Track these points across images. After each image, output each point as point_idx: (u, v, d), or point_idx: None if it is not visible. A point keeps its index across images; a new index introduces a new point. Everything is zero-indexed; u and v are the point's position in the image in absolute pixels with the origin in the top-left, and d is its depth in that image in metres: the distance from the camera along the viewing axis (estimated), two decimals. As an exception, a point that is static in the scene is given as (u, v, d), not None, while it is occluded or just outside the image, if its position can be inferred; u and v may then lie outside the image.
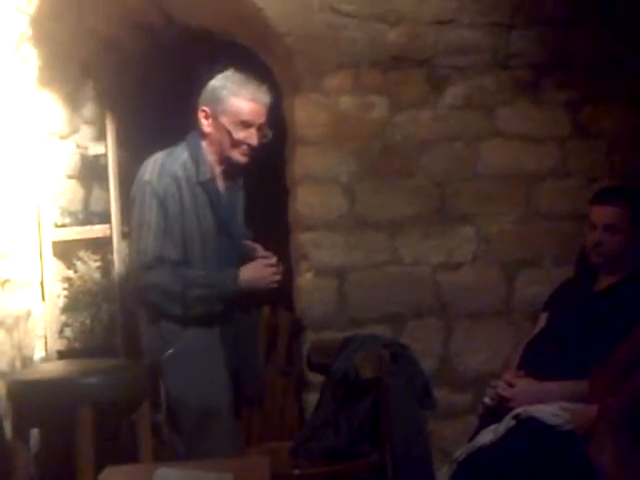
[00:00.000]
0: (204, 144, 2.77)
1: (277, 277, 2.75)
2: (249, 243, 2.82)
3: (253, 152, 2.76)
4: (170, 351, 2.70)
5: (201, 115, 2.76)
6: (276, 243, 3.01)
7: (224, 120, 2.70)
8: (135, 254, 2.71)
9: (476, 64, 3.70)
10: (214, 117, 2.72)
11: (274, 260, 2.78)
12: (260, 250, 2.80)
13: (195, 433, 2.69)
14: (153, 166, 2.70)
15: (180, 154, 2.74)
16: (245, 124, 2.71)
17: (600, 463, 2.17)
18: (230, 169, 2.80)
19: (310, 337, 3.58)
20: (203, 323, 2.73)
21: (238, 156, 2.74)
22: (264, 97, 2.76)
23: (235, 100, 2.70)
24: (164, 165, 2.70)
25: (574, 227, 3.65)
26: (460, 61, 3.69)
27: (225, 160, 2.76)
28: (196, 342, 2.71)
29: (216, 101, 2.73)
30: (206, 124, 2.75)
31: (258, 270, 2.73)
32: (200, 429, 2.68)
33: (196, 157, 2.73)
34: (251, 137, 2.72)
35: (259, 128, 2.75)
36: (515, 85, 3.73)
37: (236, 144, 2.71)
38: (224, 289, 2.68)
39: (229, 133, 2.70)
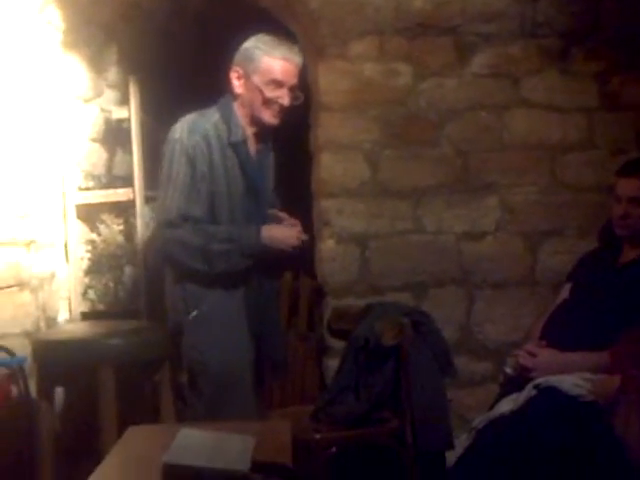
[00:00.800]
0: (236, 106, 2.76)
1: (298, 242, 2.72)
2: (277, 212, 2.81)
3: (284, 114, 2.74)
4: (193, 313, 2.71)
5: (233, 76, 2.74)
6: (299, 210, 3.00)
7: (256, 79, 2.69)
8: (160, 210, 2.71)
9: (503, 32, 3.67)
10: (246, 77, 2.71)
11: (299, 226, 2.78)
12: (287, 219, 2.80)
13: (215, 396, 2.70)
14: (183, 125, 2.70)
15: (212, 115, 2.73)
16: (277, 83, 2.70)
17: (624, 434, 2.18)
18: (261, 131, 2.79)
19: (331, 303, 3.60)
20: (227, 286, 2.73)
21: (269, 117, 2.73)
22: (296, 57, 2.74)
23: (268, 59, 2.69)
24: (195, 123, 2.69)
25: (599, 199, 3.63)
26: (487, 29, 3.66)
27: (256, 121, 2.74)
28: (219, 305, 2.72)
29: (249, 61, 2.71)
30: (238, 85, 2.74)
31: (280, 230, 2.73)
32: (221, 392, 2.70)
33: (228, 118, 2.72)
34: (283, 97, 2.71)
35: (291, 89, 2.73)
36: (542, 54, 3.69)
37: (268, 103, 2.70)
38: (246, 243, 2.66)
39: (261, 92, 2.69)
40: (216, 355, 2.69)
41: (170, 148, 2.68)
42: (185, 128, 2.68)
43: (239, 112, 2.75)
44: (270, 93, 2.69)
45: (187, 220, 2.63)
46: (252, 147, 2.79)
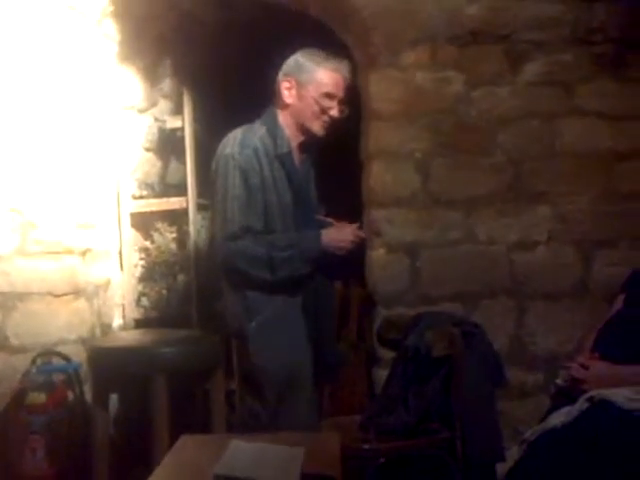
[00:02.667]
0: (281, 117, 2.79)
1: (356, 239, 2.78)
2: (323, 218, 2.84)
3: (332, 126, 2.77)
4: (256, 320, 2.74)
5: (283, 86, 2.77)
6: (350, 220, 3.01)
7: (310, 89, 2.73)
8: (221, 224, 2.74)
9: (555, 39, 3.63)
10: (298, 87, 2.75)
11: (354, 226, 2.83)
12: (335, 223, 2.82)
13: (279, 402, 2.72)
14: (234, 140, 2.74)
15: (258, 129, 2.77)
16: (329, 95, 2.73)
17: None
18: (307, 141, 2.82)
19: (381, 313, 3.60)
20: (286, 293, 2.76)
21: (318, 128, 2.76)
22: (346, 71, 2.78)
23: (321, 71, 2.73)
24: (244, 138, 2.74)
25: (654, 209, 3.56)
26: (539, 36, 3.62)
27: (305, 132, 2.78)
28: (281, 311, 2.75)
29: (301, 72, 2.75)
30: (288, 95, 2.77)
31: (339, 231, 2.79)
32: (283, 398, 2.72)
33: (273, 131, 2.76)
34: (333, 108, 2.75)
35: (340, 102, 2.76)
36: (596, 61, 3.64)
37: (319, 115, 2.74)
38: (306, 248, 2.71)
39: (316, 102, 2.73)
40: (279, 362, 2.72)
41: (223, 163, 2.72)
42: (236, 143, 2.72)
43: (285, 122, 2.78)
44: (323, 104, 2.73)
45: (248, 232, 2.67)
46: (297, 157, 2.82)
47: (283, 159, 2.75)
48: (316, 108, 2.73)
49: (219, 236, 2.74)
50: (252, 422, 2.78)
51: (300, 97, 2.76)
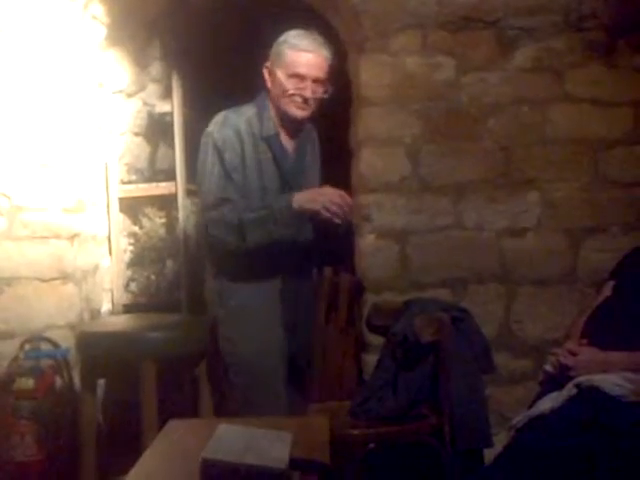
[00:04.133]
0: (269, 101, 2.79)
1: (334, 206, 2.56)
2: None
3: (310, 106, 2.74)
4: (227, 305, 2.75)
5: (265, 72, 2.78)
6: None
7: (279, 72, 2.72)
8: (200, 197, 2.77)
9: (547, 25, 3.61)
10: (273, 71, 2.74)
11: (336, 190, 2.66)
12: None
13: (247, 388, 2.74)
14: (217, 119, 2.76)
15: (247, 111, 2.78)
16: (299, 76, 2.70)
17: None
18: (291, 125, 2.80)
19: (371, 299, 3.59)
20: (261, 280, 2.76)
21: (294, 109, 2.74)
22: (322, 50, 2.73)
23: (290, 52, 2.71)
24: (227, 118, 2.75)
25: (644, 195, 3.57)
26: (530, 22, 3.61)
27: (284, 115, 2.76)
28: (253, 298, 2.75)
29: (275, 55, 2.75)
30: (268, 80, 2.77)
31: (311, 192, 2.68)
32: (252, 384, 2.73)
33: (261, 113, 2.76)
34: (304, 89, 2.71)
35: (316, 81, 2.73)
36: (587, 48, 3.63)
37: (289, 96, 2.71)
38: (277, 208, 2.63)
39: (282, 85, 2.71)
40: (247, 347, 2.74)
41: (203, 141, 2.74)
42: (218, 122, 2.74)
43: (272, 106, 2.77)
44: (291, 86, 2.70)
45: (224, 201, 2.66)
46: (288, 143, 2.81)
47: (269, 142, 2.75)
48: (287, 89, 2.71)
49: (201, 208, 2.75)
50: (226, 406, 2.80)
51: (274, 81, 2.75)
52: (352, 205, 2.60)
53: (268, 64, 2.77)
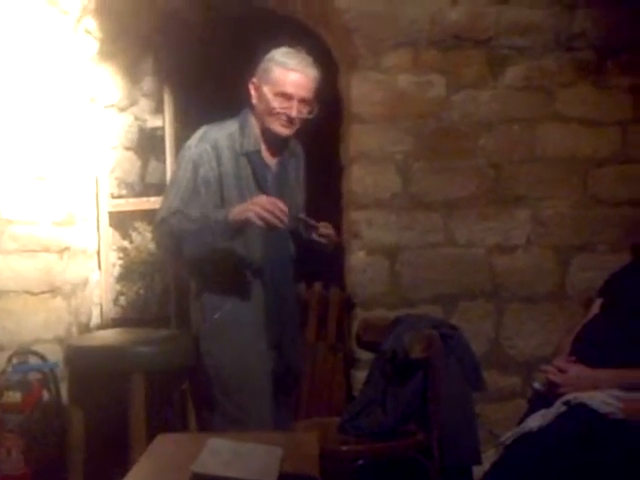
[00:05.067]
0: (252, 117, 2.79)
1: (265, 213, 2.50)
2: (306, 218, 2.79)
3: (294, 125, 2.74)
4: (208, 321, 2.75)
5: (250, 87, 2.78)
6: (328, 222, 3.00)
7: (266, 90, 2.71)
8: (159, 211, 2.73)
9: (537, 45, 3.66)
10: (260, 87, 2.74)
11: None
12: (320, 224, 2.78)
13: (228, 403, 2.72)
14: (197, 133, 2.76)
15: (230, 126, 2.77)
16: (285, 95, 2.70)
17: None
18: (274, 141, 2.80)
19: (360, 315, 3.60)
20: (243, 297, 2.75)
21: (278, 127, 2.73)
22: (309, 70, 2.73)
23: (278, 70, 2.70)
24: (206, 133, 2.75)
25: (632, 213, 3.61)
26: (521, 42, 3.65)
27: (267, 131, 2.76)
28: (234, 315, 2.74)
29: (262, 72, 2.75)
30: (253, 95, 2.77)
31: (246, 204, 2.58)
32: (232, 399, 2.71)
33: (244, 129, 2.76)
34: (290, 108, 2.70)
35: (302, 101, 2.73)
36: (577, 67, 3.67)
37: (275, 114, 2.71)
38: (214, 219, 2.59)
39: (268, 102, 2.71)
40: (228, 362, 2.73)
41: (181, 154, 2.75)
42: (197, 137, 2.74)
43: (255, 122, 2.77)
44: (277, 104, 2.70)
45: (177, 213, 2.64)
46: (270, 159, 2.81)
47: (250, 157, 2.74)
48: (273, 107, 2.71)
49: (156, 218, 2.73)
50: (213, 421, 2.79)
51: (259, 97, 2.75)
52: (286, 211, 2.54)
53: (255, 80, 2.77)
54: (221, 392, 2.75)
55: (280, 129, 2.73)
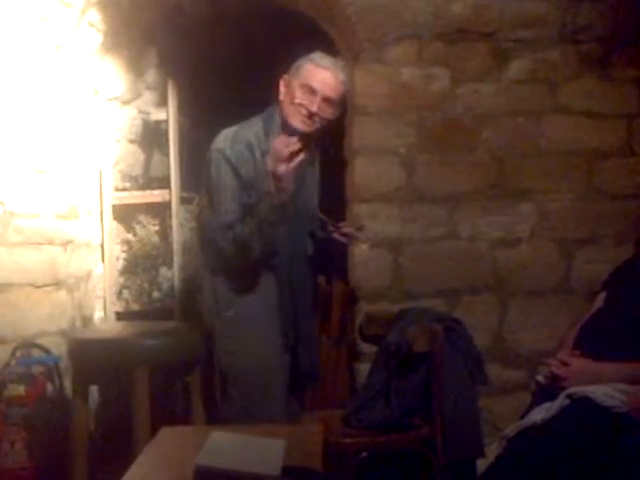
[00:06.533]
0: (277, 114, 2.78)
1: (282, 154, 2.52)
2: (322, 216, 2.83)
3: (314, 123, 2.73)
4: (223, 316, 2.74)
5: (281, 83, 2.78)
6: (332, 216, 3.00)
7: (294, 81, 2.72)
8: (216, 216, 2.72)
9: (541, 37, 3.64)
10: (289, 83, 2.74)
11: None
12: (335, 224, 2.81)
13: (243, 399, 2.72)
14: (226, 135, 2.74)
15: (255, 124, 2.77)
16: (311, 89, 2.70)
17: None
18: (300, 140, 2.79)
19: (364, 308, 3.60)
20: (258, 291, 2.74)
21: (298, 122, 2.72)
22: (339, 72, 2.74)
23: (309, 65, 2.73)
24: (237, 134, 2.73)
25: (637, 206, 3.59)
26: (525, 34, 3.64)
27: (288, 128, 2.75)
28: (249, 309, 2.73)
29: (295, 69, 2.76)
30: (282, 92, 2.77)
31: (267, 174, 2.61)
32: (248, 395, 2.71)
33: (268, 127, 2.75)
34: (312, 103, 2.70)
35: (326, 100, 2.73)
36: (581, 60, 3.66)
37: (296, 105, 2.71)
38: (264, 208, 2.58)
39: (293, 94, 2.71)
40: (243, 357, 2.72)
41: (214, 158, 2.71)
42: (229, 138, 2.71)
43: (279, 121, 2.76)
44: (300, 95, 2.70)
45: (238, 220, 2.65)
46: None
47: None
48: (295, 97, 2.71)
49: (215, 225, 2.71)
50: (220, 416, 2.78)
51: (287, 91, 2.75)
52: (294, 142, 2.56)
53: (286, 76, 2.77)
54: (235, 387, 2.75)
55: (299, 124, 2.72)
